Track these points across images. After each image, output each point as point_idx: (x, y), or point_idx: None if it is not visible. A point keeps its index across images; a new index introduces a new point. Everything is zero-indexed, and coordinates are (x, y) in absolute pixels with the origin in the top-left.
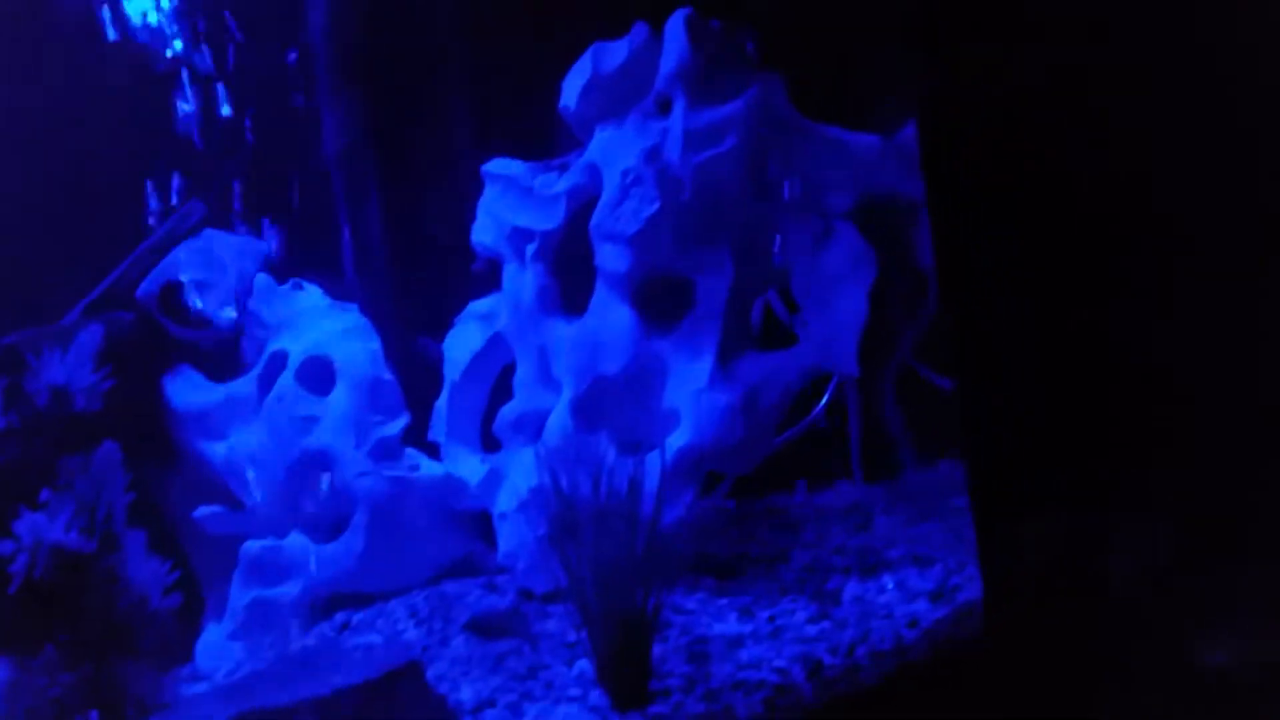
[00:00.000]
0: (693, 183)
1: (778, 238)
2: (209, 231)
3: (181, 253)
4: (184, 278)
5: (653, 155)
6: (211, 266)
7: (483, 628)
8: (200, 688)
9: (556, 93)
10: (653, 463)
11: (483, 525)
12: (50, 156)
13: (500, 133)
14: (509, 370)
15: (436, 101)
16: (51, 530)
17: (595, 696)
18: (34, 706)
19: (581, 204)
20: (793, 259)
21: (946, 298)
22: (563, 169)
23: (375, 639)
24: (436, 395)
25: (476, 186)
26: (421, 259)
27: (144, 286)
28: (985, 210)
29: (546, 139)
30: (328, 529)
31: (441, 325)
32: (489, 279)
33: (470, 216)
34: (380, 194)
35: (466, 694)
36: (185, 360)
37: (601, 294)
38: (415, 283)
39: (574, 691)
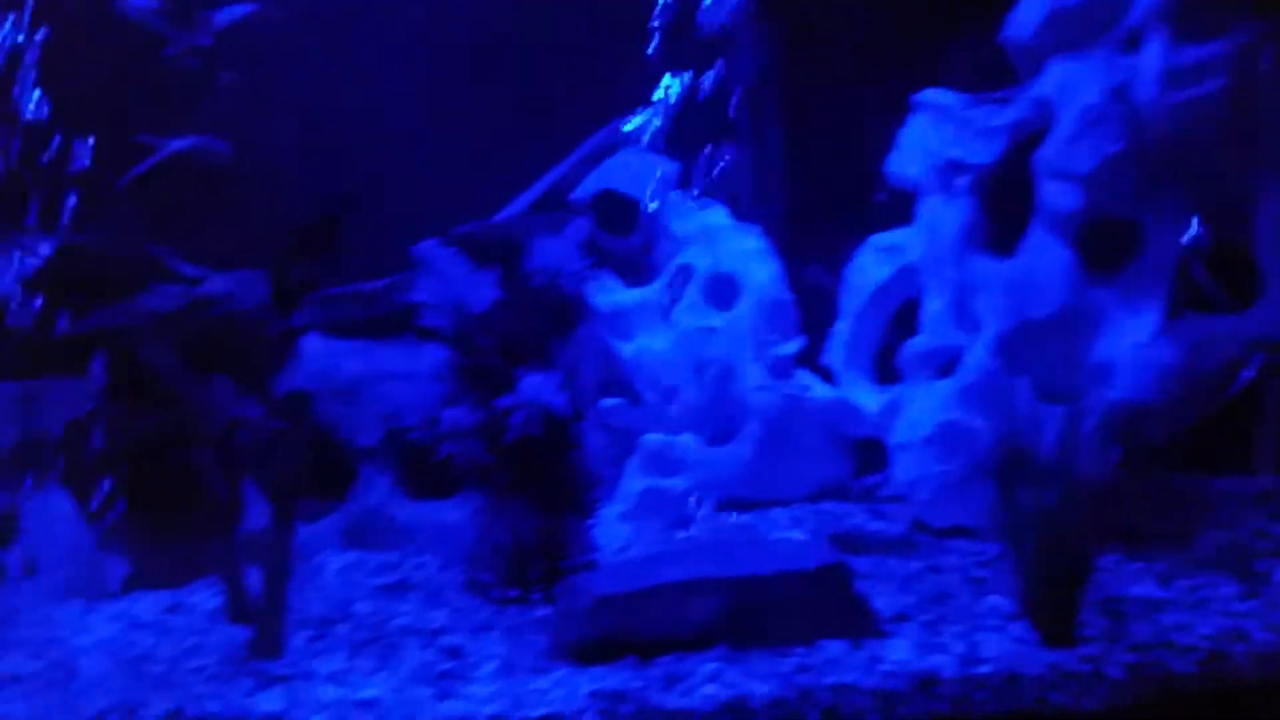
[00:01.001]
0: (1164, 124)
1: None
2: (631, 148)
3: (609, 166)
4: (611, 188)
5: (1120, 92)
6: (634, 181)
7: (879, 549)
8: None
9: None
10: (1078, 413)
11: (862, 452)
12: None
13: (903, 64)
14: (908, 303)
15: (845, 32)
16: (546, 392)
17: (1016, 630)
18: (499, 544)
19: (1023, 139)
20: (1263, 220)
21: None
22: (1004, 102)
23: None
24: (825, 321)
25: (878, 119)
26: (817, 188)
27: (577, 193)
28: None
29: (959, 70)
30: (719, 434)
31: (832, 254)
32: (889, 210)
33: (868, 150)
34: (784, 124)
35: (881, 605)
36: (605, 264)
37: (1039, 233)
38: (810, 211)
39: (991, 622)
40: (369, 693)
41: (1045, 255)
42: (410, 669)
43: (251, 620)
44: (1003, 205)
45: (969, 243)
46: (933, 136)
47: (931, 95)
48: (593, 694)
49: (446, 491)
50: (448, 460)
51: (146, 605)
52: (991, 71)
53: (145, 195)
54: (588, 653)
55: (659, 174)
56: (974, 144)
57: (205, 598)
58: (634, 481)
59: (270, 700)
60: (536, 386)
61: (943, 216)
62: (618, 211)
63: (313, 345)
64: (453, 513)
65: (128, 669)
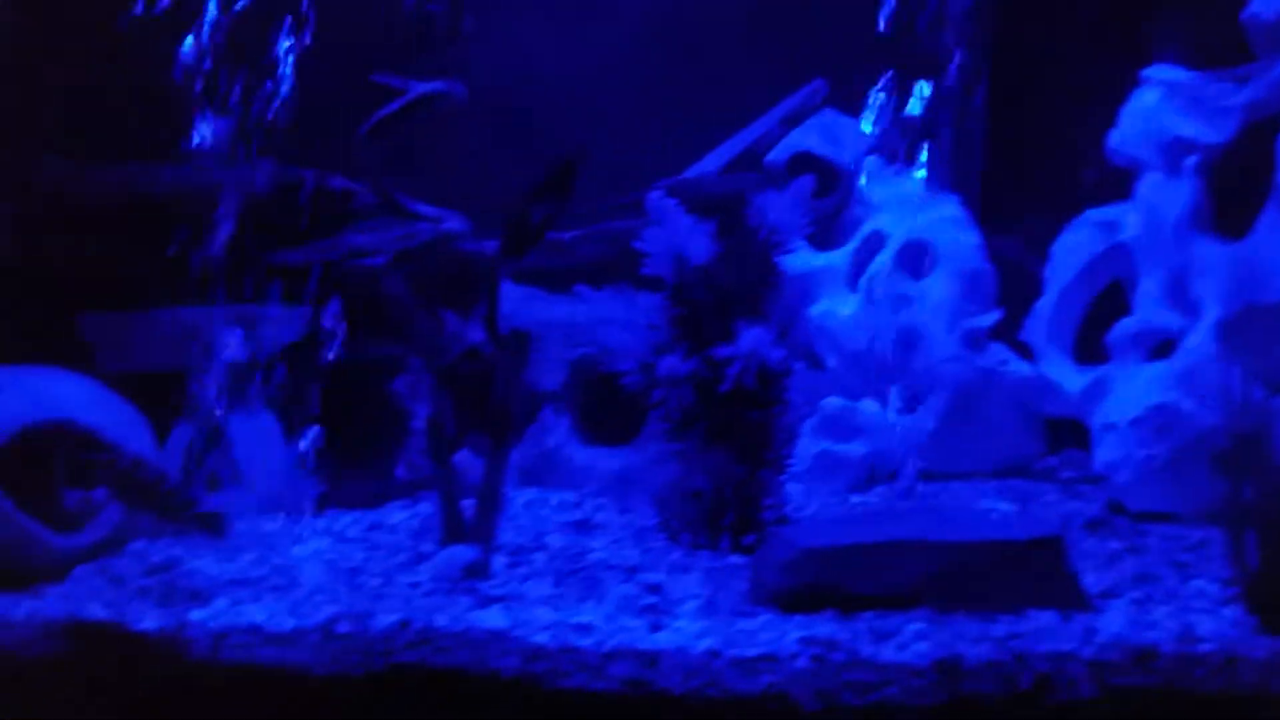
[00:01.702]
0: None
1: None
2: (829, 110)
3: (806, 127)
4: (808, 150)
5: None
6: (832, 143)
7: (1076, 528)
8: None
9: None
10: None
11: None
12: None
13: (1123, 36)
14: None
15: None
16: (764, 346)
17: (1230, 614)
18: (696, 491)
19: (1260, 119)
20: None
21: None
22: (1242, 81)
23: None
24: (1023, 295)
25: (1092, 93)
26: (1020, 159)
27: (773, 154)
28: None
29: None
30: (904, 403)
31: (1030, 228)
32: (1099, 187)
33: (1077, 122)
34: (988, 93)
35: (1089, 581)
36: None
37: (1273, 216)
38: (1010, 183)
39: (1201, 604)
40: (582, 618)
41: (1277, 240)
42: (615, 600)
43: (464, 542)
44: (1231, 187)
45: (1192, 223)
46: (1160, 113)
47: (1162, 71)
48: (802, 639)
49: (620, 439)
50: (658, 405)
51: (346, 523)
52: (1212, 50)
53: (387, 136)
54: (790, 601)
55: (858, 138)
56: (1206, 122)
57: (403, 519)
58: (810, 444)
59: (493, 617)
60: (755, 339)
61: (1165, 195)
62: (814, 174)
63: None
64: (626, 459)
65: (344, 579)
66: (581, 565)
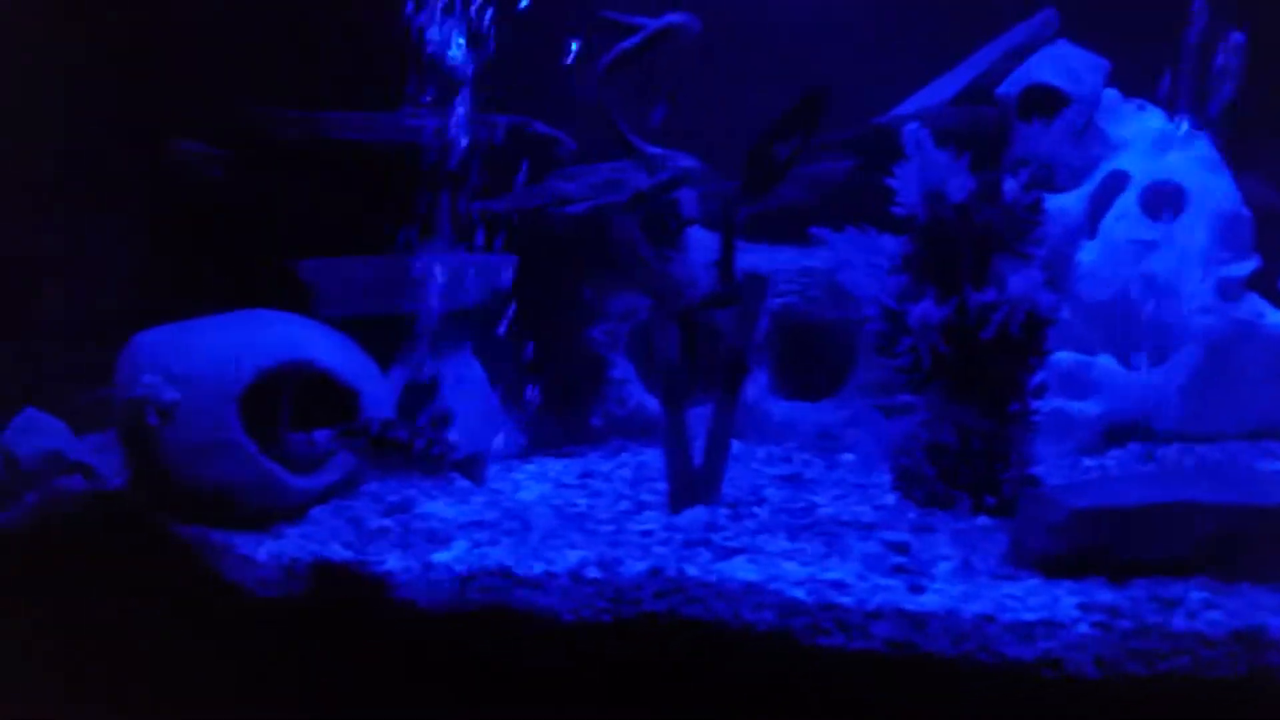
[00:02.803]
0: None
1: None
2: (1062, 41)
3: (1039, 59)
4: (1042, 82)
5: None
6: (1065, 75)
7: None
8: None
9: None
10: None
11: None
12: None
13: None
14: None
15: None
16: (1035, 290)
17: None
18: (941, 445)
19: None
20: None
21: None
22: None
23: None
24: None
25: None
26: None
27: (1004, 86)
28: None
29: None
30: (1145, 358)
31: None
32: None
33: None
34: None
35: None
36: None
37: None
38: (1262, 124)
39: None
40: (833, 575)
41: None
42: (859, 558)
43: (693, 490)
44: None
45: None
46: None
47: None
48: (1081, 605)
49: (818, 393)
50: (908, 353)
51: (558, 470)
52: None
53: (622, 74)
54: (1055, 565)
55: (1094, 69)
56: None
57: (612, 467)
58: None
59: (739, 569)
60: (1027, 282)
61: None
62: (1046, 108)
63: (698, 237)
64: (828, 414)
65: (576, 524)
66: (811, 520)
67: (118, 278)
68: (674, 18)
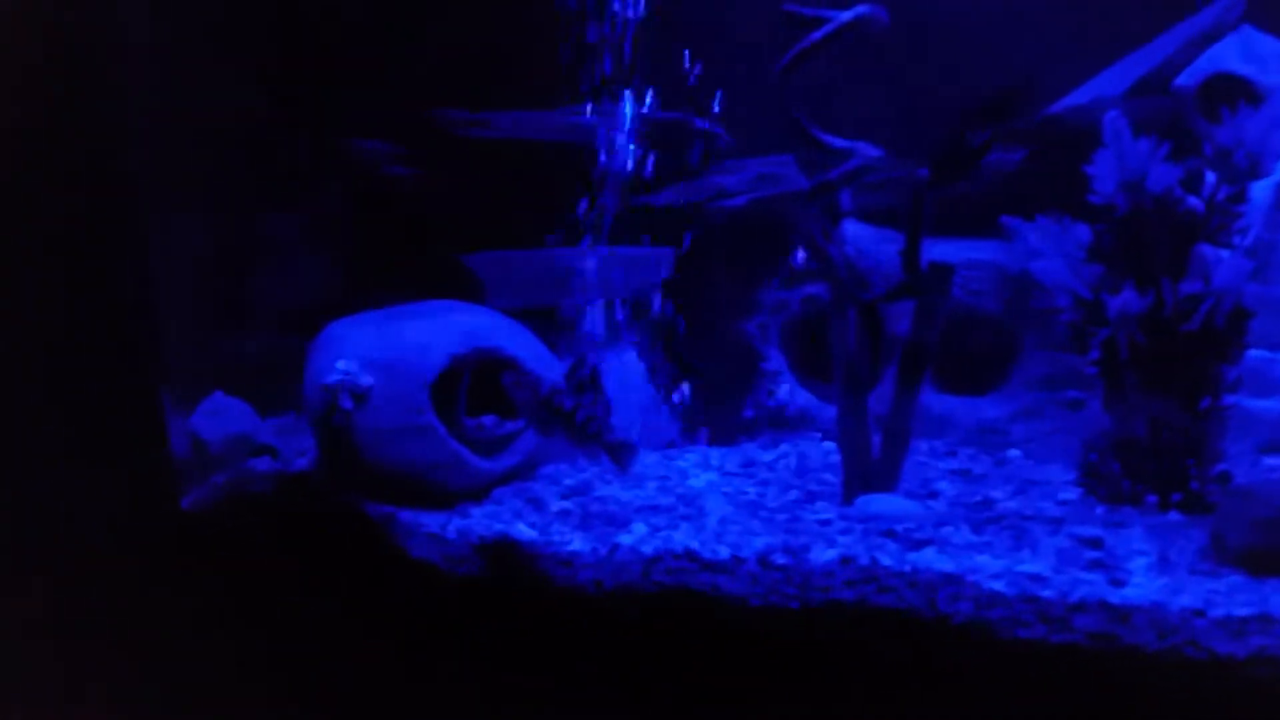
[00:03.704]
0: None
1: None
2: (1247, 27)
3: (1223, 46)
4: (1228, 71)
5: None
6: (1254, 62)
7: None
8: None
9: None
10: None
11: None
12: None
13: None
14: None
15: None
16: (1242, 279)
17: None
18: (1131, 440)
19: None
20: None
21: None
22: None
23: None
24: None
25: None
26: None
27: (1184, 77)
28: None
29: None
30: None
31: None
32: None
33: None
34: None
35: None
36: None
37: None
38: None
39: None
40: (1028, 568)
41: None
42: (1052, 552)
43: (869, 482)
44: None
45: None
46: None
47: None
48: None
49: (978, 388)
50: (1103, 346)
51: (719, 459)
52: None
53: (805, 67)
54: (1260, 562)
55: None
56: None
57: (772, 457)
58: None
59: (934, 560)
60: (1234, 273)
61: None
62: (1231, 98)
63: (852, 229)
64: (988, 410)
65: (749, 511)
66: (992, 514)
67: (297, 270)
68: (863, 9)
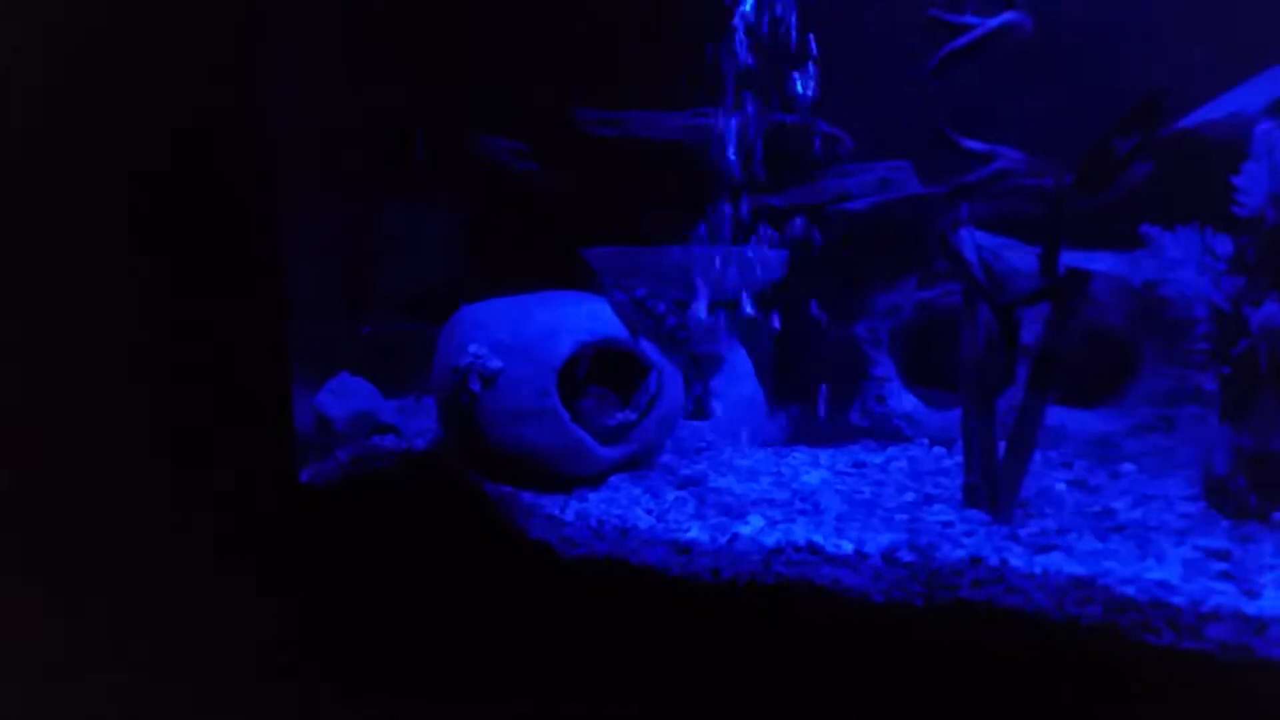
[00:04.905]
0: None
1: None
2: None
3: None
4: None
5: None
6: None
7: None
8: None
9: None
10: None
11: None
12: None
13: None
14: None
15: None
16: None
17: None
18: (1265, 453)
19: None
20: None
21: None
22: None
23: None
24: None
25: None
26: None
27: None
28: None
29: None
30: None
31: None
32: None
33: None
34: None
35: None
36: None
37: None
38: None
39: None
40: (1156, 575)
41: None
42: (1178, 562)
43: (991, 485)
44: None
45: None
46: None
47: None
48: None
49: (1090, 401)
50: (1241, 359)
51: (829, 459)
52: None
53: (947, 74)
54: None
55: None
56: None
57: (882, 459)
58: None
59: (1060, 563)
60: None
61: None
62: None
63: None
64: (1104, 422)
65: (867, 510)
66: (1115, 523)
67: (425, 259)
68: (1009, 16)
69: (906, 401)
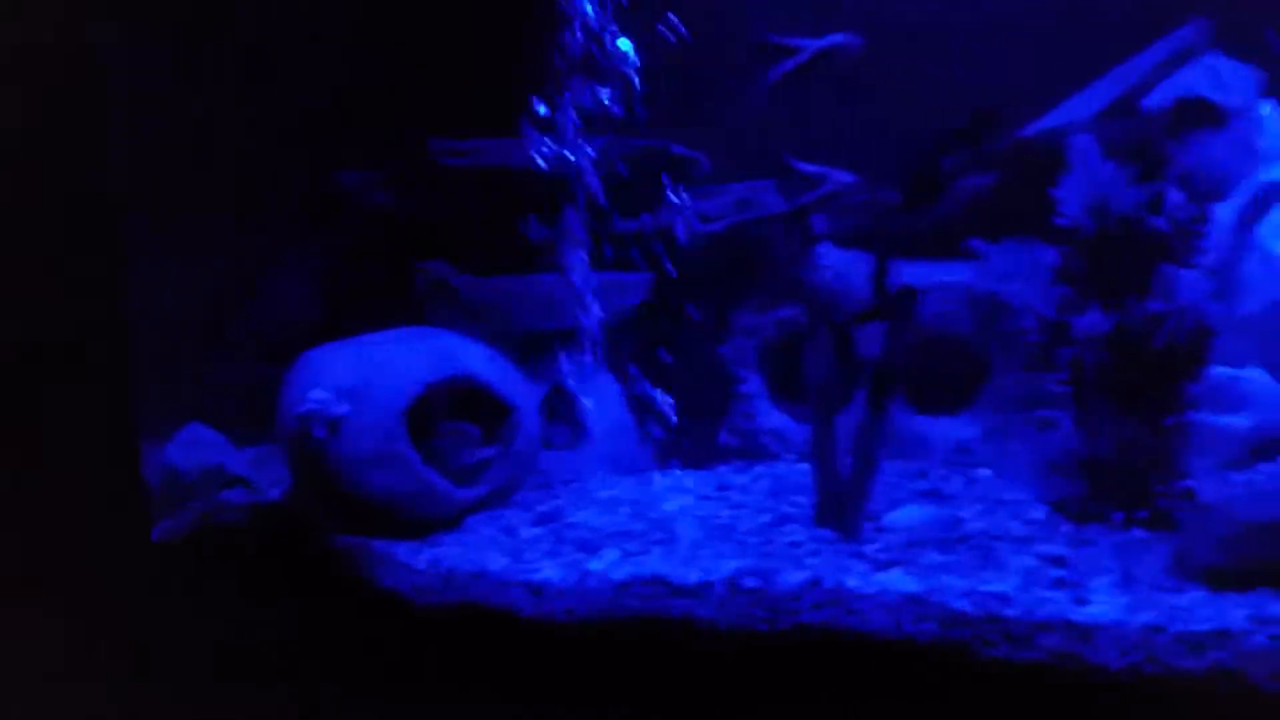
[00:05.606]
0: None
1: None
2: (1212, 54)
3: (1190, 70)
4: (1196, 95)
5: None
6: (1217, 88)
7: None
8: None
9: None
10: None
11: None
12: None
13: None
14: None
15: None
16: (1202, 297)
17: None
18: (1098, 459)
19: None
20: None
21: None
22: None
23: None
24: None
25: None
26: None
27: (1150, 99)
28: None
29: None
30: None
31: None
32: None
33: None
34: None
35: None
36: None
37: None
38: None
39: None
40: (994, 588)
41: None
42: (1018, 571)
43: (838, 503)
44: None
45: None
46: None
47: None
48: (1253, 618)
49: (951, 408)
50: (1070, 366)
51: (694, 482)
52: None
53: (781, 96)
54: (1222, 578)
55: (1247, 81)
56: None
57: (746, 480)
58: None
59: (899, 581)
60: (1193, 290)
61: None
62: (1197, 121)
63: (825, 252)
64: (961, 429)
65: (722, 535)
66: (960, 534)
67: (275, 299)
68: (837, 38)
69: (775, 418)
